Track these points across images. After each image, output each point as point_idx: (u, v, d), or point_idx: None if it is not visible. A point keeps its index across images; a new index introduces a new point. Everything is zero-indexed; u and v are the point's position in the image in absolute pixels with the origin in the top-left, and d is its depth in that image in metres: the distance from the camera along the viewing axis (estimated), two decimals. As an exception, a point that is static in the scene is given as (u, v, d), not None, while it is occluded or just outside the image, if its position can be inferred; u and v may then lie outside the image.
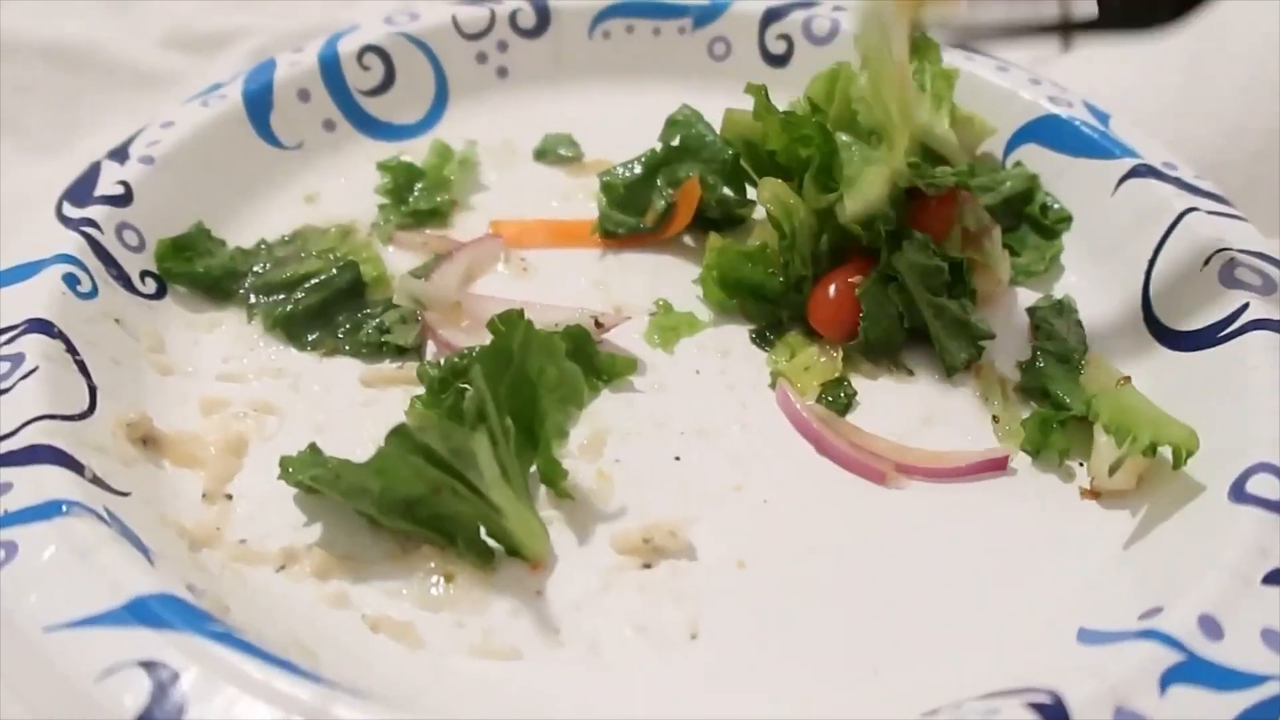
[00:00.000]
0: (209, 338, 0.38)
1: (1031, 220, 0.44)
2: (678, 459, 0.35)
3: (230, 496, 0.33)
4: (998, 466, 0.34)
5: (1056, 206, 0.44)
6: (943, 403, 0.37)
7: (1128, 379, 0.35)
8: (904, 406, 0.37)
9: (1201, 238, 0.38)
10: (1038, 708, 0.23)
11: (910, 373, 0.38)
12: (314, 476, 0.30)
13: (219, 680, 0.23)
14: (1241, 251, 0.36)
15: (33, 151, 0.52)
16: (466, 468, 0.29)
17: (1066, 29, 0.36)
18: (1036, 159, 0.45)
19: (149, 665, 0.23)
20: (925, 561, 0.32)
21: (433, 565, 0.31)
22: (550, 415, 0.31)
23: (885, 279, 0.38)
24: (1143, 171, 0.41)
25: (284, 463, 0.32)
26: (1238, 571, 0.26)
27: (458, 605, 0.30)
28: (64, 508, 0.27)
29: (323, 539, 0.31)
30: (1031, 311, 0.40)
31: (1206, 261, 0.37)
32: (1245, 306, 0.35)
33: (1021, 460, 0.35)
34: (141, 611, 0.24)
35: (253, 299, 0.39)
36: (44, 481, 0.28)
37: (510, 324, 0.32)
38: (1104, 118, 0.44)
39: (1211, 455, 0.31)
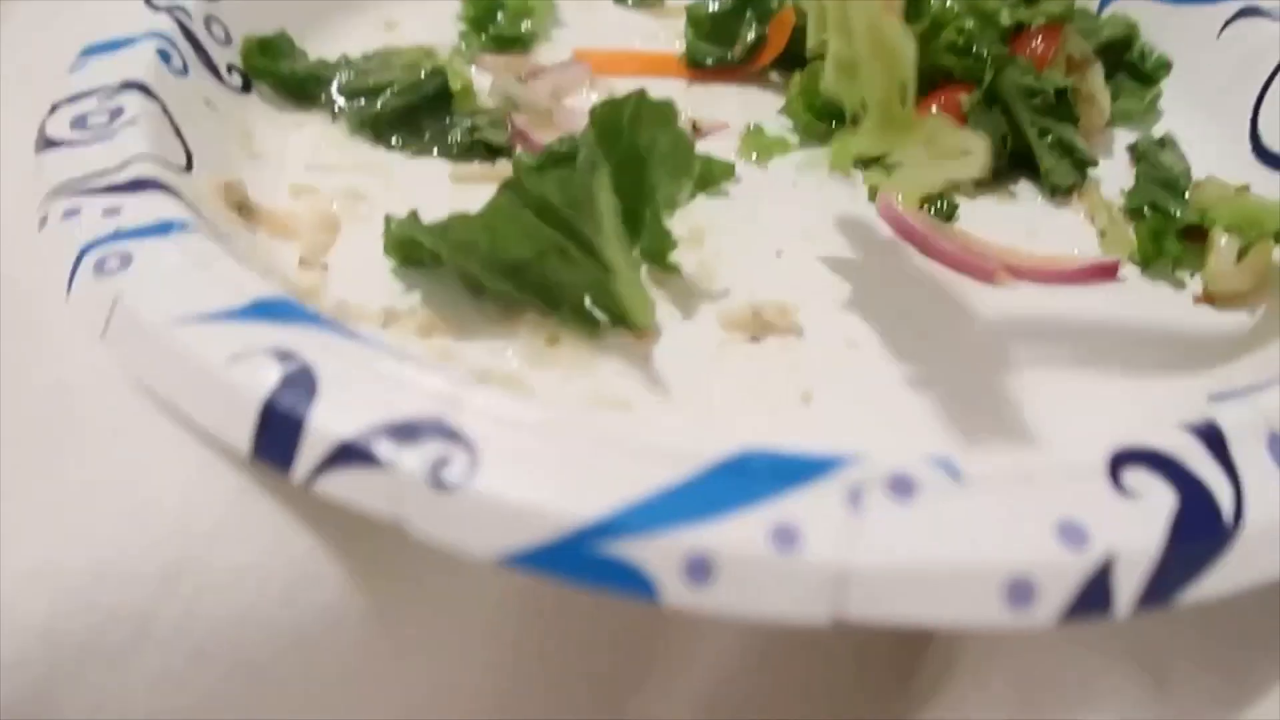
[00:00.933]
0: (295, 136, 0.37)
1: (1129, 67, 0.43)
2: (780, 254, 0.34)
3: (326, 266, 0.32)
4: (1109, 273, 0.34)
5: (1156, 54, 0.43)
6: (1047, 221, 0.36)
7: (1246, 186, 0.34)
8: (1007, 223, 0.36)
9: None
10: (1196, 431, 0.22)
11: (1011, 193, 0.38)
12: (420, 231, 0.30)
13: (350, 368, 0.22)
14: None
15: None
16: (582, 220, 0.28)
17: None
18: (1135, 9, 0.44)
19: (279, 353, 0.22)
20: (1035, 354, 0.31)
21: (537, 330, 0.30)
22: (661, 186, 0.31)
23: (990, 98, 0.37)
24: (1250, 12, 0.40)
25: (389, 221, 0.31)
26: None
27: (564, 364, 0.29)
28: (179, 226, 0.26)
29: (424, 303, 0.31)
30: (1133, 147, 0.39)
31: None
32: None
33: (1131, 271, 0.34)
34: (268, 310, 0.24)
35: (338, 101, 0.39)
36: (156, 206, 0.27)
37: (619, 101, 0.31)
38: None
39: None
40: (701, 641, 0.25)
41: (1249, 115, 0.38)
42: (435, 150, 0.38)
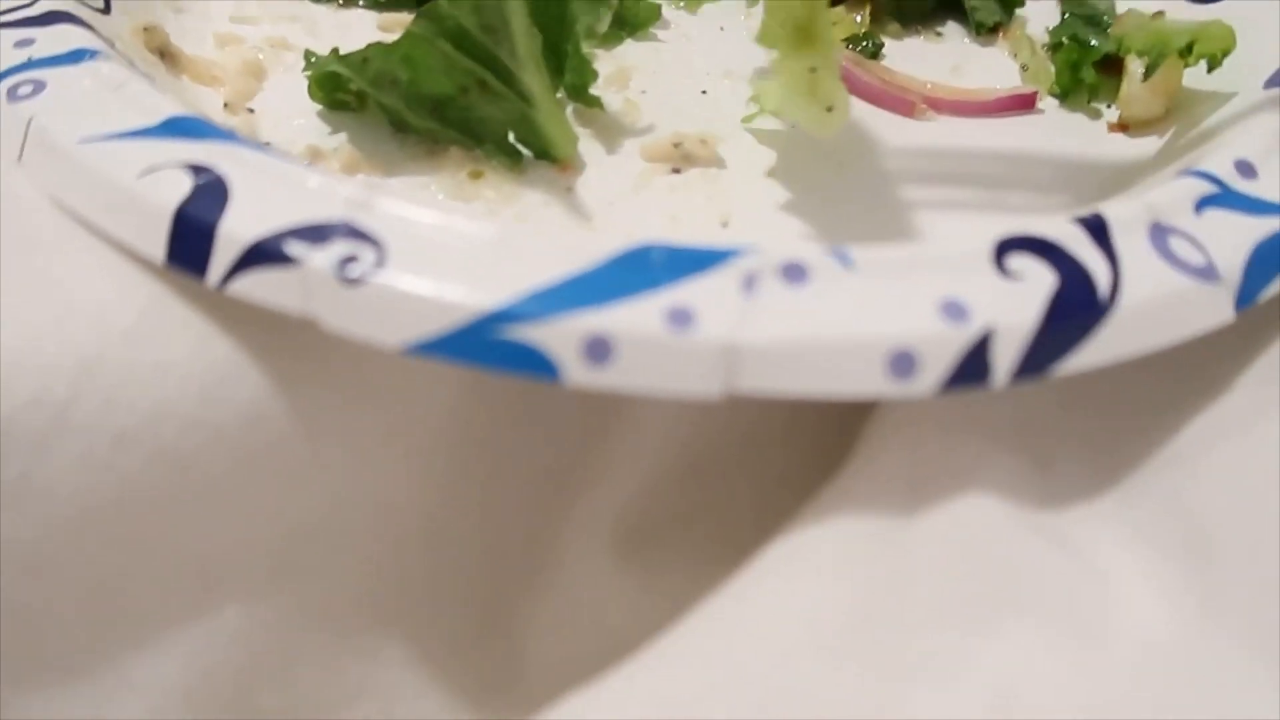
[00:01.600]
0: (217, -11, 0.37)
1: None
2: (704, 93, 0.34)
3: (253, 110, 0.32)
4: (1026, 104, 0.34)
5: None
6: (971, 58, 0.37)
7: (1162, 12, 0.34)
8: (932, 60, 0.37)
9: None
10: (1080, 221, 0.23)
11: (938, 34, 0.38)
12: (341, 65, 0.30)
13: (262, 178, 0.23)
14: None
15: None
16: (500, 48, 0.29)
17: None
18: None
19: (191, 166, 0.23)
20: (949, 183, 0.32)
21: (461, 165, 0.30)
22: (581, 16, 0.31)
23: (917, -64, 0.38)
24: None
25: (308, 57, 0.31)
26: (1275, 131, 0.26)
27: (487, 197, 0.30)
28: (90, 54, 0.26)
29: (349, 143, 0.31)
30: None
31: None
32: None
33: (1050, 104, 0.35)
34: (180, 127, 0.24)
35: (261, -47, 0.38)
36: (69, 37, 0.27)
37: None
38: None
39: (1243, 65, 0.31)
40: (631, 439, 0.27)
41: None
42: (362, 1, 0.37)
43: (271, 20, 0.36)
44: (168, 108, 0.25)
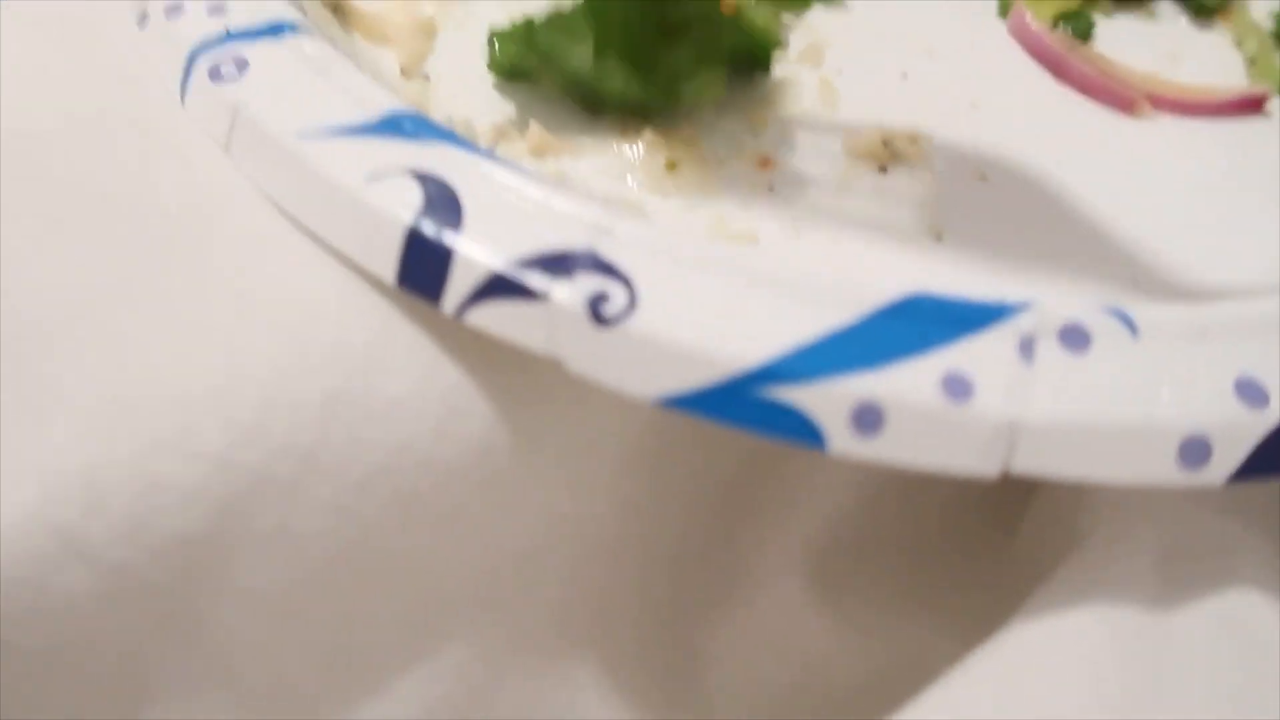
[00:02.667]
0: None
1: None
2: (905, 75, 0.32)
3: (428, 77, 0.30)
4: (1255, 106, 0.32)
5: None
6: (1191, 43, 0.34)
7: None
8: (1148, 44, 0.34)
9: None
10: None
11: (1152, 13, 0.35)
12: (522, 35, 0.28)
13: (492, 191, 0.21)
14: None
15: None
16: None
17: None
18: None
19: (419, 174, 0.21)
20: (1174, 191, 0.29)
21: (656, 152, 0.28)
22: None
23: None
24: None
25: (492, 37, 0.29)
26: None
27: (685, 191, 0.28)
28: (289, 28, 0.25)
29: (533, 117, 0.29)
30: (1286, -41, 0.36)
31: None
32: None
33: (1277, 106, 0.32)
34: (400, 125, 0.22)
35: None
36: (262, 3, 0.25)
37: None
38: None
39: None
40: (825, 466, 0.26)
41: None
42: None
43: (438, -33, 0.34)
44: (384, 100, 0.23)
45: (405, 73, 0.30)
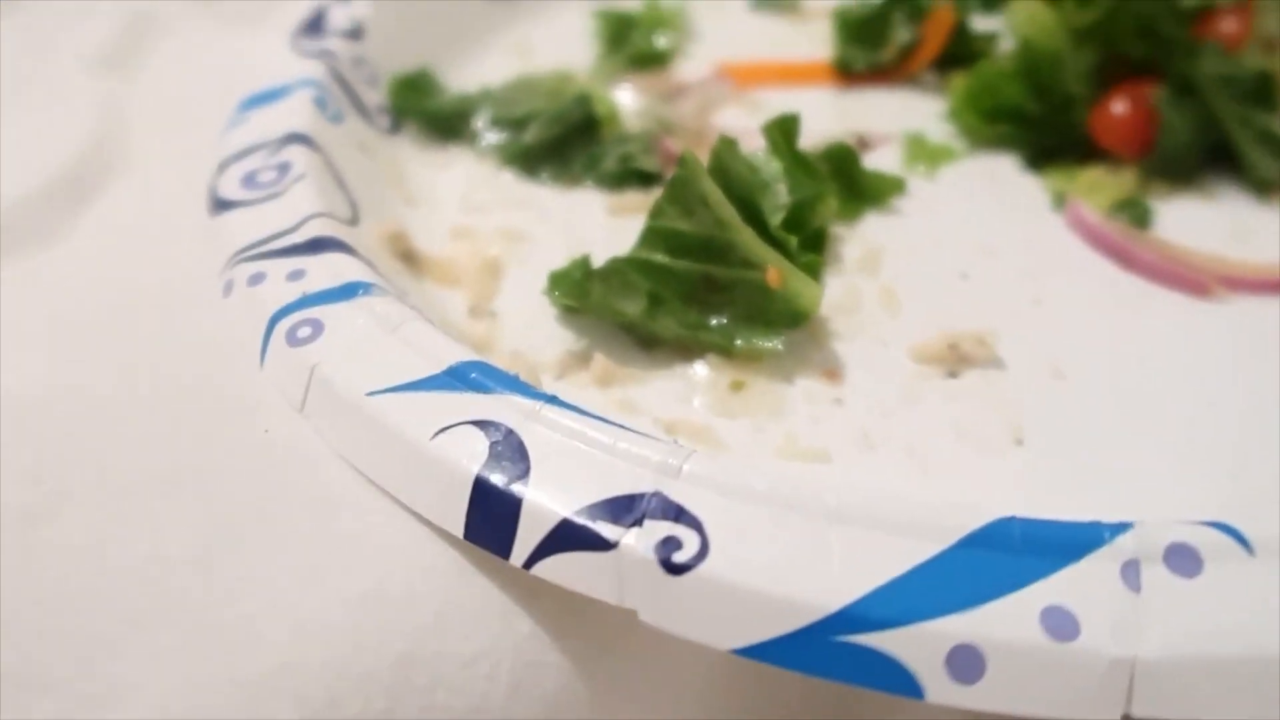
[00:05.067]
0: (445, 175, 0.37)
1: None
2: (965, 276, 0.32)
3: (495, 314, 0.31)
4: (1338, 279, 0.31)
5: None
6: (1254, 220, 0.33)
7: None
8: (1209, 225, 0.33)
9: None
10: None
11: (1211, 194, 0.35)
12: (582, 278, 0.29)
13: (556, 437, 0.21)
14: None
15: (235, 25, 0.51)
16: (714, 235, 0.28)
17: None
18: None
19: (483, 424, 0.22)
20: (1264, 380, 0.28)
21: (720, 373, 0.28)
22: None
23: (1183, 89, 0.35)
24: None
25: (552, 277, 0.30)
26: None
27: (753, 410, 0.28)
28: (363, 289, 0.26)
29: (597, 348, 0.29)
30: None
31: None
32: None
33: (1360, 276, 0.31)
34: (463, 376, 0.23)
35: (485, 136, 0.38)
36: (338, 267, 0.27)
37: (786, 128, 0.30)
38: None
39: None
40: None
41: None
42: (587, 180, 0.36)
43: (501, 206, 0.35)
44: (446, 353, 0.24)
45: (474, 312, 0.31)
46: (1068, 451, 0.26)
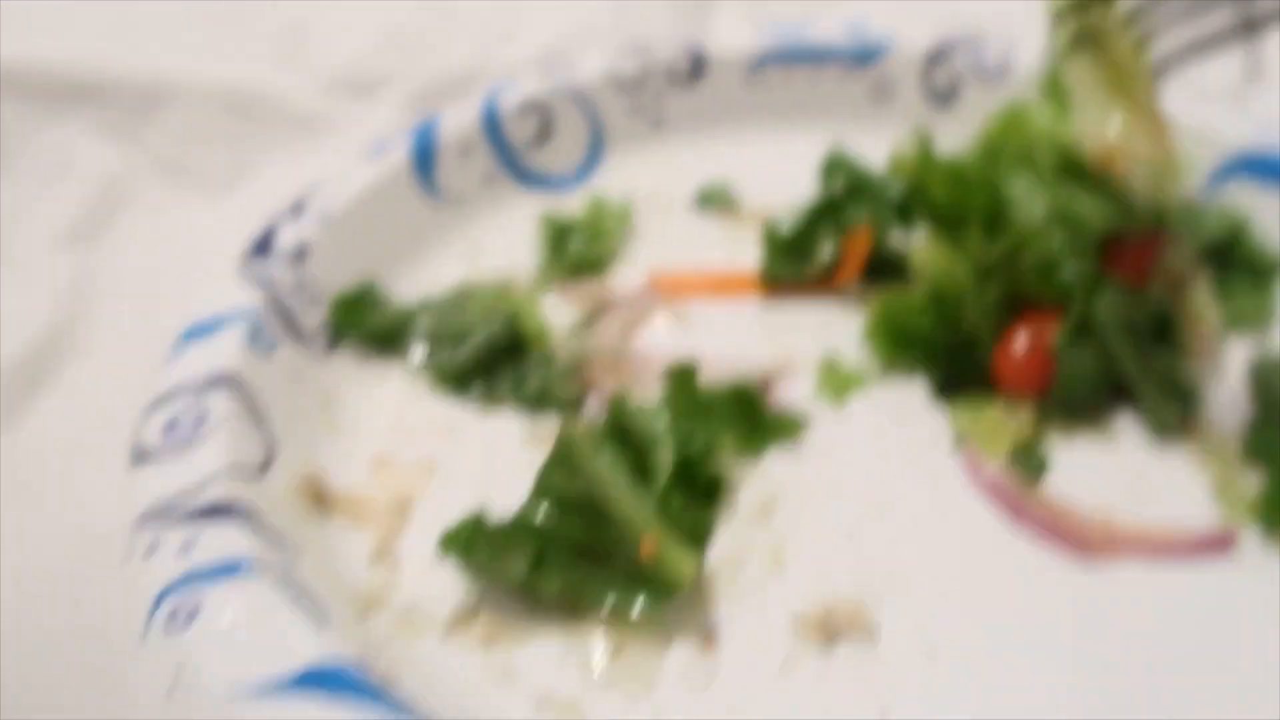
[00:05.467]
0: (378, 391, 0.39)
1: (1240, 265, 0.40)
2: (853, 531, 0.32)
3: (396, 558, 0.32)
4: (1223, 545, 0.31)
5: (1267, 250, 0.40)
6: (1152, 467, 0.34)
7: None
8: (1107, 471, 0.34)
9: None
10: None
11: (1111, 435, 0.35)
12: (470, 547, 0.30)
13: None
14: None
15: (201, 193, 0.54)
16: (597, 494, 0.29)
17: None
18: (1244, 198, 0.41)
19: (329, 738, 0.23)
20: (1137, 654, 0.28)
21: (601, 636, 0.29)
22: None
23: (1081, 331, 0.35)
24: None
25: (444, 538, 0.31)
26: None
27: (626, 681, 0.28)
28: (245, 567, 0.27)
29: (489, 602, 0.30)
30: (1251, 367, 0.36)
31: None
32: None
33: (1252, 537, 0.31)
34: (318, 681, 0.24)
35: (418, 353, 0.40)
36: (226, 540, 0.28)
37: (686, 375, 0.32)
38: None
39: None
40: None
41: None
42: (512, 401, 0.38)
43: (426, 432, 0.37)
44: (309, 651, 0.25)
45: (377, 556, 0.32)
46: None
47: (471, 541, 0.30)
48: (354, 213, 0.43)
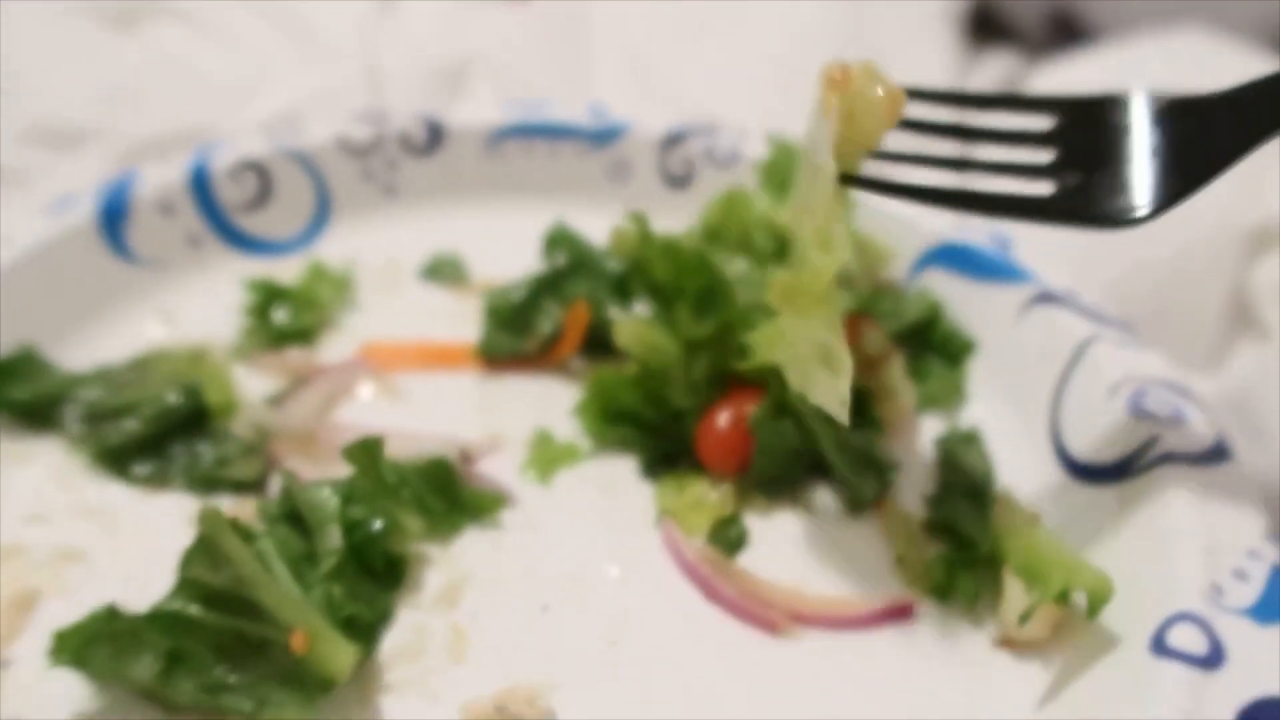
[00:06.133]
0: (20, 473, 0.34)
1: (935, 347, 0.42)
2: (546, 609, 0.31)
3: (9, 665, 0.27)
4: (902, 615, 0.31)
5: (960, 334, 0.42)
6: (844, 541, 0.34)
7: (1037, 517, 0.32)
8: (801, 545, 0.34)
9: (1108, 367, 0.36)
10: None
11: (809, 508, 0.35)
12: (89, 638, 0.26)
13: None
14: (1149, 381, 0.35)
15: None
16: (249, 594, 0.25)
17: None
18: (941, 285, 0.43)
19: None
20: (823, 712, 0.28)
21: (240, 746, 0.26)
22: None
23: (779, 409, 0.35)
24: (1046, 298, 0.40)
25: (57, 637, 0.26)
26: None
27: (265, 796, 0.25)
28: None
29: (118, 713, 0.26)
30: (938, 443, 0.38)
31: (1114, 392, 0.35)
32: (1156, 439, 0.33)
33: (929, 605, 0.32)
34: None
35: (77, 428, 0.35)
36: None
37: (369, 452, 0.29)
38: (1007, 243, 0.43)
39: (1129, 601, 0.28)
40: None
41: (1048, 412, 0.37)
42: (183, 480, 0.34)
43: (70, 515, 0.32)
44: None
45: (-16, 664, 0.27)
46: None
47: (91, 642, 0.26)
48: (21, 273, 0.38)
